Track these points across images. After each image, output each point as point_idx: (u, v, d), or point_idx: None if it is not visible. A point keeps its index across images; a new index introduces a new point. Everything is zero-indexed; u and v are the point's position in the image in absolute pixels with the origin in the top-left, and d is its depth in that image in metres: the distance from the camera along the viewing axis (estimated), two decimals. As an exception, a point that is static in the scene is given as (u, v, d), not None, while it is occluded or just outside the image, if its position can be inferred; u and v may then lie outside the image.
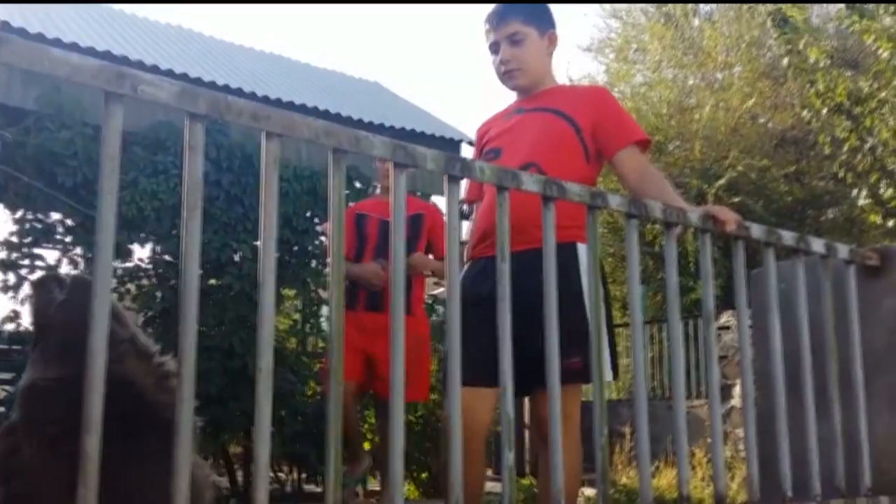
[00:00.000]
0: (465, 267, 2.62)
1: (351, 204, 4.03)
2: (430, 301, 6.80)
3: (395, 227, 1.66)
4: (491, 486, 6.35)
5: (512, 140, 2.59)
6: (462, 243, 2.66)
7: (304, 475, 6.46)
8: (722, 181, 11.89)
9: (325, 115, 7.49)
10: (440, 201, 5.68)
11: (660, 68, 15.05)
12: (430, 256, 4.25)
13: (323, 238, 6.89)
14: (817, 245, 2.44)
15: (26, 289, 6.19)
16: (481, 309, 2.15)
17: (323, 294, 7.28)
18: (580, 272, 2.38)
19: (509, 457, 1.72)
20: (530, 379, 2.12)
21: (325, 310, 7.43)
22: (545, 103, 2.61)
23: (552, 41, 2.66)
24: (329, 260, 1.59)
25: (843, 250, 2.51)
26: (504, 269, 1.81)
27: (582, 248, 2.40)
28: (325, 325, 7.58)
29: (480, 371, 2.11)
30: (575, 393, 2.39)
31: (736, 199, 11.84)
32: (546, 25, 2.64)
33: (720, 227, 2.20)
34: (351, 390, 3.86)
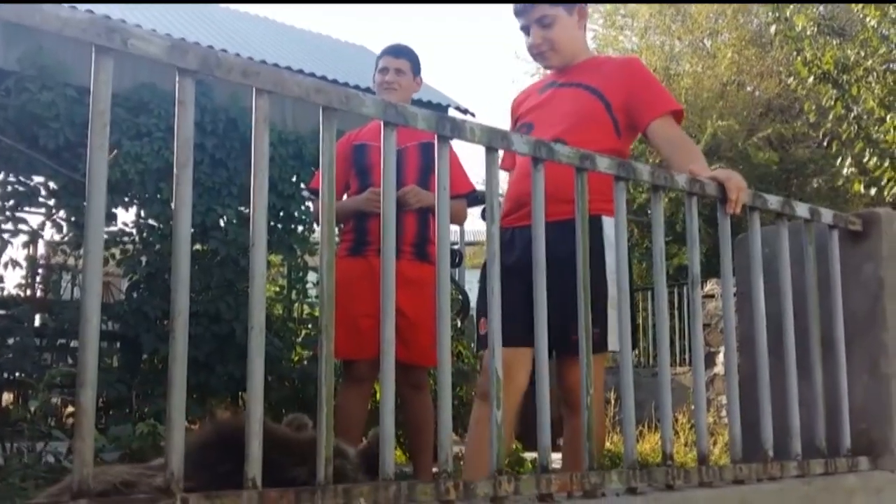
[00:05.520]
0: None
1: (347, 133, 3.59)
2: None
3: (385, 197, 1.65)
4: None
5: (543, 116, 2.63)
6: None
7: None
8: (700, 146, 11.92)
9: (313, 77, 7.41)
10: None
11: (647, 34, 15.02)
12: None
13: (310, 204, 6.85)
14: (801, 209, 2.46)
15: (9, 252, 6.15)
16: (506, 277, 2.17)
17: (310, 260, 7.28)
18: (604, 245, 2.41)
19: (497, 415, 1.75)
20: (552, 343, 2.11)
21: (312, 276, 7.43)
22: (577, 78, 2.63)
23: (582, 15, 2.68)
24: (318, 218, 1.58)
25: (826, 215, 2.54)
26: (494, 233, 1.82)
27: (608, 222, 2.42)
28: (312, 291, 7.59)
29: (514, 330, 2.11)
30: (599, 361, 2.37)
31: (715, 167, 11.88)
32: (573, 1, 2.65)
33: (726, 199, 2.22)
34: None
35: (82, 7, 5.74)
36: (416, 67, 3.56)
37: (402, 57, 3.52)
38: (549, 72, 2.83)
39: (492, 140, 1.80)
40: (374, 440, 1.93)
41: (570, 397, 2.53)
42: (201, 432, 2.00)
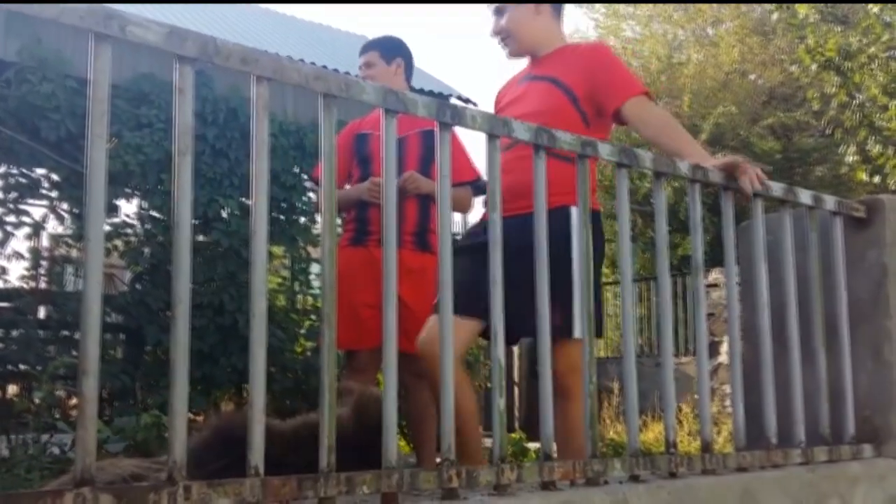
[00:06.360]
0: (473, 225, 2.75)
1: (349, 123, 3.64)
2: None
3: (386, 185, 1.64)
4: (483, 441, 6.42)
5: (516, 112, 2.66)
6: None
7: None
8: (704, 135, 11.89)
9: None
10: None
11: (650, 23, 14.96)
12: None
13: (312, 195, 6.84)
14: (805, 196, 2.45)
15: (13, 245, 6.16)
16: (469, 252, 2.35)
17: (313, 251, 7.27)
18: (571, 235, 2.42)
19: (500, 403, 1.74)
20: (512, 330, 2.09)
21: (315, 267, 7.43)
22: (546, 70, 2.66)
23: (539, 5, 2.70)
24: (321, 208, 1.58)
25: (830, 202, 2.53)
26: (496, 220, 1.82)
27: (575, 212, 2.42)
28: (315, 282, 7.59)
29: (457, 300, 2.15)
30: (577, 347, 2.40)
31: (719, 155, 11.86)
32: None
33: (740, 179, 2.25)
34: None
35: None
36: (386, 54, 3.52)
37: (368, 51, 3.53)
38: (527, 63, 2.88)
39: (493, 127, 1.79)
40: (359, 399, 1.93)
41: (559, 382, 2.53)
42: (201, 434, 2.01)
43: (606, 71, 2.58)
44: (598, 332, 2.36)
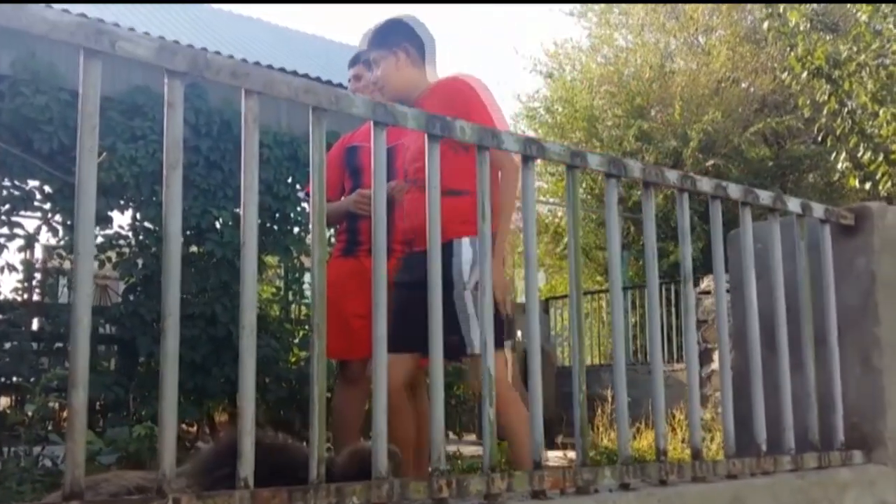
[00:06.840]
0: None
1: (342, 136, 3.70)
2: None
3: (375, 196, 1.66)
4: (475, 449, 6.43)
5: (407, 157, 2.95)
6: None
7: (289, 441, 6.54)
8: (694, 143, 11.95)
9: (306, 78, 7.40)
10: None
11: (642, 32, 15.03)
12: None
13: (306, 205, 6.86)
14: (793, 204, 2.47)
15: (6, 256, 6.15)
16: (405, 287, 2.59)
17: (306, 261, 7.28)
18: (461, 264, 2.71)
19: (490, 412, 1.75)
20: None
21: (309, 277, 7.43)
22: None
23: (407, 52, 2.96)
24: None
25: (818, 209, 2.54)
26: (486, 232, 1.83)
27: (463, 243, 2.71)
28: (309, 292, 7.59)
29: (396, 340, 2.46)
30: (497, 359, 2.51)
31: (710, 163, 11.91)
32: (392, 43, 2.96)
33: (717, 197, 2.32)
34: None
35: (74, 9, 5.75)
36: (383, 44, 3.59)
37: (356, 63, 3.62)
38: None
39: (482, 139, 1.80)
40: (352, 455, 1.93)
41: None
42: (215, 444, 2.03)
43: (471, 112, 2.73)
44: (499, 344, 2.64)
